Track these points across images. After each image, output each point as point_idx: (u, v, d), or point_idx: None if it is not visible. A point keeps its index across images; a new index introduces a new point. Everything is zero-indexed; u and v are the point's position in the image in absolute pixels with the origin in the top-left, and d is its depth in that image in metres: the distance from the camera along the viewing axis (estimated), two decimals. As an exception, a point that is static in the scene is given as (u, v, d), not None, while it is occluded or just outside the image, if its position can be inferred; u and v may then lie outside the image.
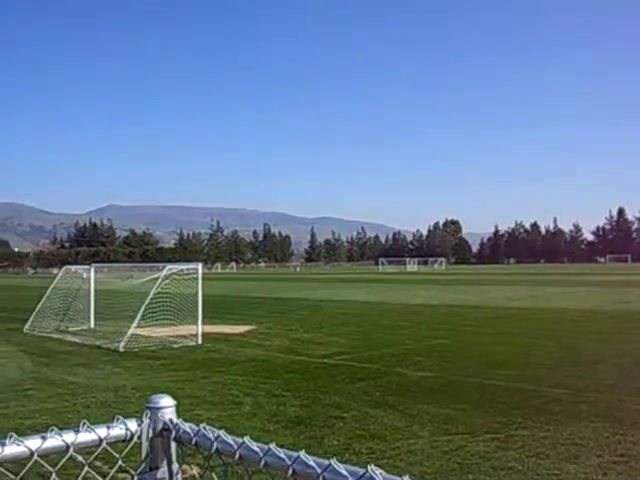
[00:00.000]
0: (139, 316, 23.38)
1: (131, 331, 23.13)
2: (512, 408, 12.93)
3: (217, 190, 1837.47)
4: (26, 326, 29.15)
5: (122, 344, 22.60)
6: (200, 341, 23.72)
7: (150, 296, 23.80)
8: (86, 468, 2.36)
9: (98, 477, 2.40)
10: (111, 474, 2.46)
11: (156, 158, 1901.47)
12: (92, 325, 29.75)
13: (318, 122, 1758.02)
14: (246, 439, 2.09)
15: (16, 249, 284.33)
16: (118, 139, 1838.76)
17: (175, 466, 2.43)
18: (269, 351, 21.71)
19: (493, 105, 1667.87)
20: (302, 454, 1.91)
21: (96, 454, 2.36)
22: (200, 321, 24.29)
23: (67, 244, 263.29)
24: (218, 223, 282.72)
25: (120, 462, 2.39)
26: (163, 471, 2.43)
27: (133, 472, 2.41)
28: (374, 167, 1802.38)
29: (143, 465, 2.42)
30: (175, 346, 23.18)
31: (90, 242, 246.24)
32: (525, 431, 11.20)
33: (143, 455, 2.43)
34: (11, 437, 2.15)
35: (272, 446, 1.99)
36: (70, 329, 28.68)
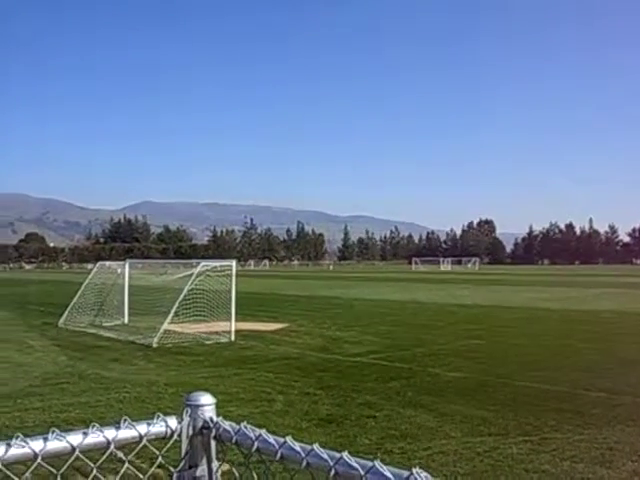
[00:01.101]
0: (172, 312, 23.49)
1: (164, 327, 23.24)
2: (546, 410, 12.81)
3: (251, 188, 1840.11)
4: (61, 320, 29.38)
5: (155, 340, 22.69)
6: (233, 338, 23.76)
7: (184, 292, 23.90)
8: (126, 464, 2.37)
9: (139, 474, 2.39)
10: (151, 471, 2.45)
11: (191, 156, 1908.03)
12: (126, 320, 29.91)
13: (357, 121, 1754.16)
14: (288, 439, 2.08)
15: (51, 244, 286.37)
16: (153, 136, 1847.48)
17: (215, 464, 2.42)
18: (302, 349, 21.70)
19: (530, 105, 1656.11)
20: (345, 455, 1.88)
21: (136, 451, 2.36)
22: (233, 318, 24.32)
23: (101, 240, 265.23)
24: (252, 221, 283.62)
25: (160, 459, 2.38)
26: (202, 469, 2.42)
27: (172, 469, 2.40)
28: (408, 166, 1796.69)
29: (182, 463, 2.41)
30: (208, 342, 23.24)
31: (124, 238, 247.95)
32: (559, 434, 11.09)
33: (183, 453, 2.42)
34: (53, 432, 2.14)
35: (315, 446, 1.97)
36: (104, 324, 28.86)
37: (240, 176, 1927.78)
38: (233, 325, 24.21)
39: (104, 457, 2.26)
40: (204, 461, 2.41)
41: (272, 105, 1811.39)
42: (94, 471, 2.25)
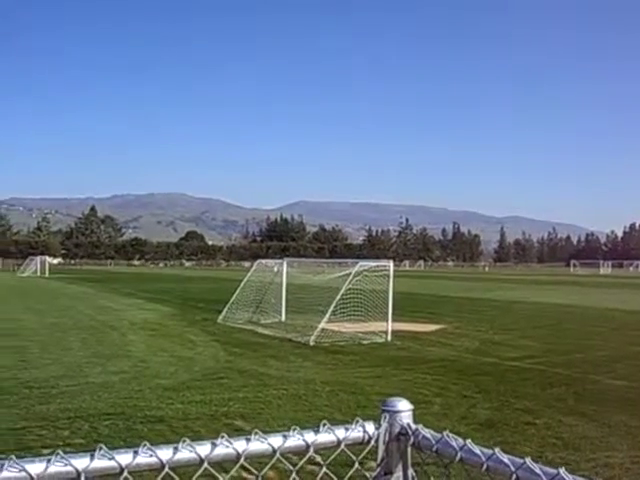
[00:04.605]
0: (330, 311, 23.63)
1: (321, 325, 23.39)
2: None
3: (405, 188, 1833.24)
4: (220, 317, 30.07)
5: (312, 338, 22.86)
6: (389, 338, 23.72)
7: (342, 292, 24.02)
8: (323, 469, 2.38)
9: (334, 477, 2.39)
10: (348, 476, 2.43)
11: (346, 156, 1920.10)
12: (283, 318, 30.28)
13: (504, 120, 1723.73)
14: (497, 450, 2.01)
15: (210, 242, 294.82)
16: (310, 138, 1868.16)
17: (411, 472, 2.39)
18: (458, 351, 21.46)
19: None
20: (562, 471, 1.80)
21: (334, 456, 2.36)
22: (390, 318, 24.28)
23: (258, 238, 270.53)
24: (407, 221, 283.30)
25: (357, 465, 2.38)
26: (397, 476, 2.40)
27: (368, 475, 2.39)
28: (565, 164, 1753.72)
29: (378, 469, 2.39)
30: (364, 342, 23.26)
31: (280, 237, 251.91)
32: None
33: (379, 459, 2.41)
34: (256, 434, 2.16)
35: (528, 460, 1.90)
36: (262, 321, 29.32)
37: (395, 176, 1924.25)
38: (390, 325, 24.17)
39: (304, 460, 2.27)
40: (399, 468, 2.39)
41: (431, 107, 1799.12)
42: (293, 474, 2.26)
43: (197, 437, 9.45)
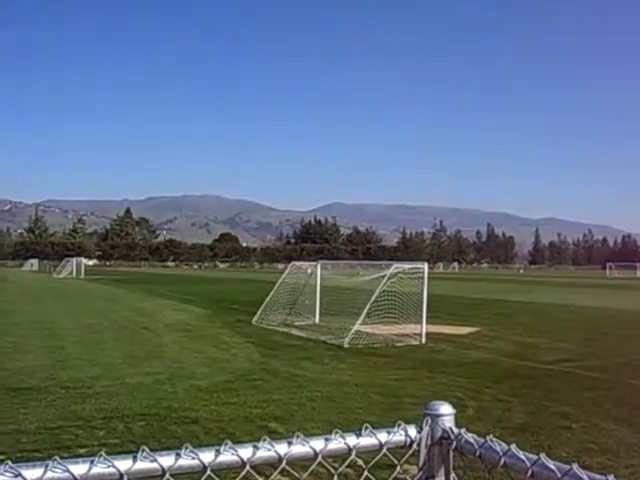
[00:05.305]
0: (364, 313, 23.59)
1: (355, 328, 23.34)
2: None
3: (440, 190, 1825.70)
4: (254, 318, 30.10)
5: (347, 340, 22.80)
6: (424, 341, 23.64)
7: (376, 294, 23.97)
8: (365, 472, 2.36)
9: None
10: (391, 478, 2.42)
11: (380, 160, 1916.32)
12: (317, 320, 30.26)
13: (538, 122, 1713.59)
14: (542, 456, 1.98)
15: (244, 244, 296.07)
16: (346, 141, 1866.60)
17: (453, 476, 2.38)
18: (493, 354, 21.32)
19: None
20: (611, 478, 1.77)
21: (376, 459, 2.35)
22: (424, 321, 24.19)
23: (292, 240, 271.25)
24: (441, 223, 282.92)
25: (398, 468, 2.37)
26: (439, 480, 2.37)
27: (408, 478, 2.39)
28: (601, 165, 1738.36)
29: (420, 473, 2.38)
30: (398, 344, 23.19)
31: (314, 239, 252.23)
32: None
33: (420, 463, 2.39)
34: (298, 437, 2.16)
35: (574, 467, 1.87)
36: (296, 323, 29.34)
37: (428, 178, 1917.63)
38: (424, 328, 24.09)
39: (346, 463, 2.27)
40: (442, 472, 2.37)
41: (459, 110, 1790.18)
42: (335, 477, 2.25)
43: (232, 439, 9.43)
